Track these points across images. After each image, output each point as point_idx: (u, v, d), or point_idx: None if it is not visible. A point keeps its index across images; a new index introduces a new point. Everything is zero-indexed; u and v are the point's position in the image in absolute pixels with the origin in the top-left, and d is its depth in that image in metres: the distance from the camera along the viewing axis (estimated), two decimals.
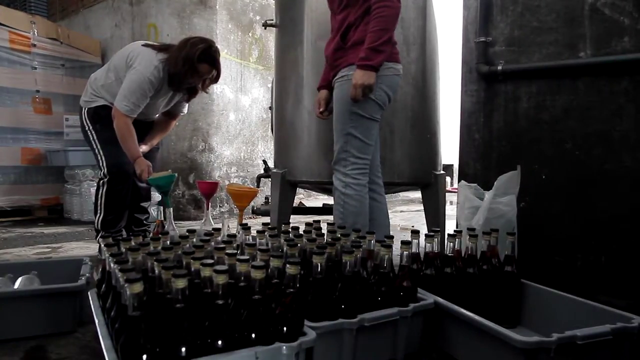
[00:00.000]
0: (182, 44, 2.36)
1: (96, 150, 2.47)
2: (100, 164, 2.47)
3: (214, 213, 4.45)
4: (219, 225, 1.80)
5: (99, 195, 2.47)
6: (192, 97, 2.63)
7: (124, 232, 2.55)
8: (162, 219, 2.29)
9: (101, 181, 2.47)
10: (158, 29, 4.38)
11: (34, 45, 4.34)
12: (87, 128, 2.48)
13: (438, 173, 2.50)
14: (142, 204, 2.70)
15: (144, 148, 2.53)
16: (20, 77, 4.26)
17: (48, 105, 4.44)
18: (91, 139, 2.48)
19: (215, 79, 2.48)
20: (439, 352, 1.41)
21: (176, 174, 2.60)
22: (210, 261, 1.05)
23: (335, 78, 1.93)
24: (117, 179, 2.44)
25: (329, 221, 1.76)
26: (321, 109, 2.07)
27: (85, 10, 5.28)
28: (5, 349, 1.41)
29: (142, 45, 2.42)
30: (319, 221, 1.75)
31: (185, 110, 2.76)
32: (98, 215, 2.48)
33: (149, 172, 2.40)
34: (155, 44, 2.46)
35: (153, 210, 3.31)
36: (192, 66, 2.32)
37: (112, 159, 2.43)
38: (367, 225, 1.89)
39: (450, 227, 2.16)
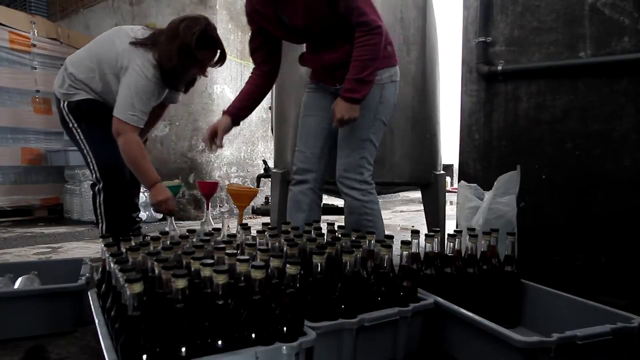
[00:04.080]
0: (173, 32, 2.01)
1: (85, 151, 2.20)
2: (91, 167, 2.20)
3: (214, 213, 4.45)
4: (219, 225, 1.80)
5: (97, 204, 2.25)
6: (190, 86, 2.32)
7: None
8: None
9: (96, 188, 2.24)
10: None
11: (34, 45, 4.35)
12: (70, 125, 2.19)
13: (438, 173, 2.50)
14: (135, 201, 2.52)
15: None
16: (20, 77, 4.27)
17: (48, 105, 4.44)
18: (77, 138, 2.20)
19: (221, 60, 2.13)
20: (439, 352, 1.41)
21: (182, 184, 2.54)
22: (210, 261, 1.05)
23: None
24: (112, 184, 2.19)
25: (329, 221, 1.76)
26: (218, 142, 1.88)
27: (85, 10, 5.29)
28: (5, 349, 1.41)
29: (130, 44, 2.07)
30: (318, 221, 1.75)
31: (179, 99, 2.45)
32: (100, 224, 2.29)
33: (172, 205, 2.09)
34: (142, 40, 2.08)
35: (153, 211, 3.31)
36: (191, 56, 2.00)
37: (104, 161, 2.16)
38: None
39: (450, 227, 2.16)
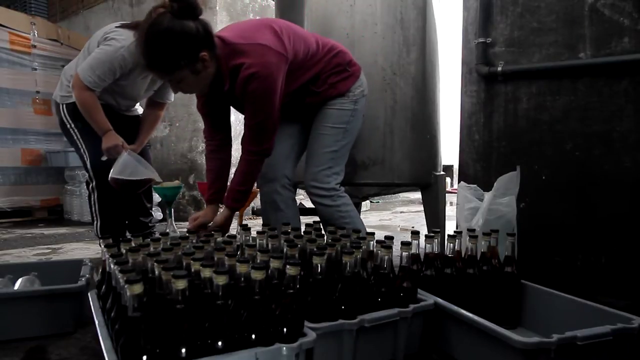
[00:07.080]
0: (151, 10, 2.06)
1: (81, 150, 2.32)
2: (86, 165, 2.33)
3: None
4: None
5: (92, 202, 2.36)
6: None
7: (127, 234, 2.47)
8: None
9: (90, 186, 2.35)
10: None
11: (34, 47, 4.35)
12: (68, 126, 2.31)
13: (438, 174, 2.50)
14: (146, 205, 2.62)
15: (134, 147, 2.35)
16: (20, 78, 4.27)
17: (48, 106, 4.44)
18: (74, 137, 2.32)
19: None
20: (439, 352, 1.41)
21: (183, 185, 2.55)
22: (210, 262, 1.05)
23: (328, 103, 1.87)
24: (103, 182, 2.25)
25: None
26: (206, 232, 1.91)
27: (85, 11, 5.30)
28: (5, 350, 1.41)
29: (117, 26, 2.18)
30: (319, 222, 1.75)
31: (172, 97, 2.53)
32: (95, 222, 2.38)
33: (119, 150, 2.17)
34: (127, 24, 2.18)
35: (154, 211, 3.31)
36: None
37: (98, 159, 2.25)
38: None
39: (450, 228, 2.16)
